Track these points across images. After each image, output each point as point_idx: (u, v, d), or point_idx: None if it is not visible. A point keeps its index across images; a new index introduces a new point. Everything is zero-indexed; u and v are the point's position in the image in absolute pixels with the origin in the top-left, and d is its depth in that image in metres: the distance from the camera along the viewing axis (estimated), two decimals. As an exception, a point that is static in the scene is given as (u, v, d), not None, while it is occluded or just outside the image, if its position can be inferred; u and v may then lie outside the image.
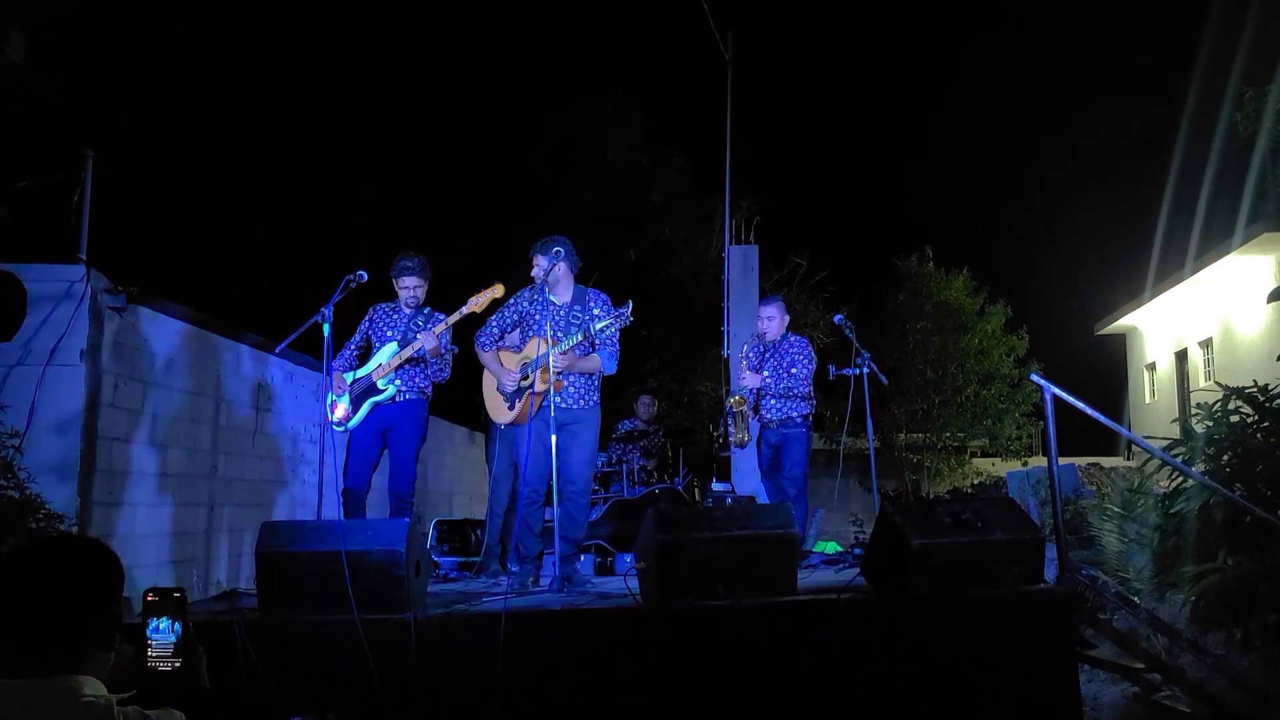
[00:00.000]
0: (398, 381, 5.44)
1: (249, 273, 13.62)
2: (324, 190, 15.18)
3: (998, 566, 4.24)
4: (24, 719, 1.66)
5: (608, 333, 4.89)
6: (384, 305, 5.65)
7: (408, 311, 5.57)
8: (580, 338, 4.89)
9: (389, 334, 5.52)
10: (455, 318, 5.39)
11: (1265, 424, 5.43)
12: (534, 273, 5.10)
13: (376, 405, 5.42)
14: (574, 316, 5.05)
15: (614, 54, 18.60)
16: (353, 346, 5.59)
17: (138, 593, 1.98)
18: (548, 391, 4.90)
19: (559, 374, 4.90)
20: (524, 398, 4.99)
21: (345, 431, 5.47)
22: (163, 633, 1.93)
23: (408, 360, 5.41)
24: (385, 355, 5.45)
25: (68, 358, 5.26)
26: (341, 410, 5.42)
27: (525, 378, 5.00)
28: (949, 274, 21.13)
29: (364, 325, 5.61)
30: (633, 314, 4.84)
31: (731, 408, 6.58)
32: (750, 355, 6.59)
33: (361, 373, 5.50)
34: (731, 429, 6.61)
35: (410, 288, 5.51)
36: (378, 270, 5.47)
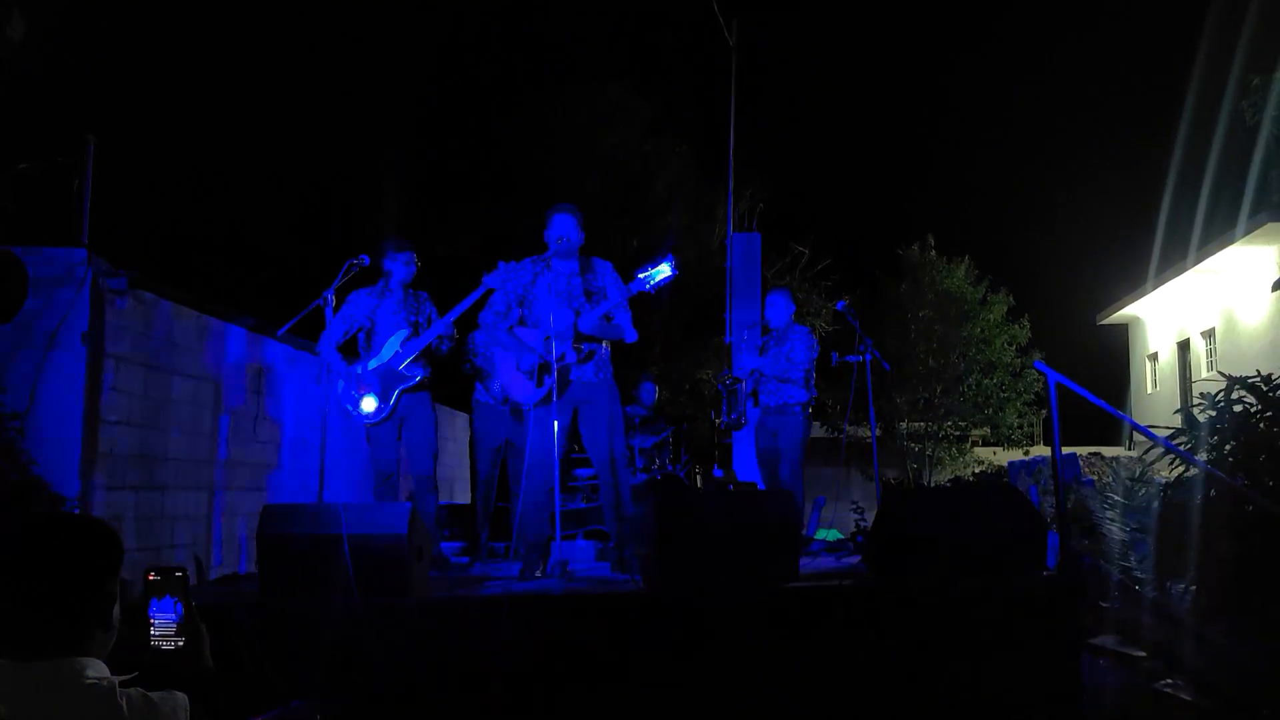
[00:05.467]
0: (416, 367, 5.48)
1: (250, 257, 13.60)
2: (325, 176, 15.14)
3: (1000, 554, 4.23)
4: (27, 701, 1.65)
5: (649, 287, 4.79)
6: (366, 291, 5.58)
7: (398, 294, 5.55)
8: (615, 300, 4.82)
9: (392, 320, 5.50)
10: (453, 316, 5.45)
11: (1268, 413, 5.41)
12: (556, 235, 4.96)
13: (403, 392, 5.44)
14: (587, 284, 4.97)
15: (617, 42, 18.52)
16: (339, 336, 5.50)
17: (139, 576, 1.97)
18: (574, 365, 4.83)
19: (588, 344, 4.84)
20: (554, 374, 4.81)
21: (379, 424, 5.44)
22: (165, 612, 1.92)
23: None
24: (397, 342, 5.44)
25: (69, 341, 5.25)
26: (372, 404, 5.40)
27: (552, 351, 4.81)
28: (951, 263, 21.13)
29: (350, 312, 5.52)
30: (674, 268, 4.76)
31: (724, 386, 6.60)
32: (749, 338, 6.61)
33: (377, 362, 5.45)
34: (724, 408, 6.64)
35: (406, 263, 5.55)
36: (379, 255, 5.46)
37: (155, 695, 1.75)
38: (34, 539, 1.78)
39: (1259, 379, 5.53)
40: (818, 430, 17.92)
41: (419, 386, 5.47)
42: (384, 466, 5.48)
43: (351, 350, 5.64)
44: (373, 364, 5.44)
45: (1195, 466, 5.38)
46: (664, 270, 4.78)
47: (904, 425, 20.25)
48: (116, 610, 1.80)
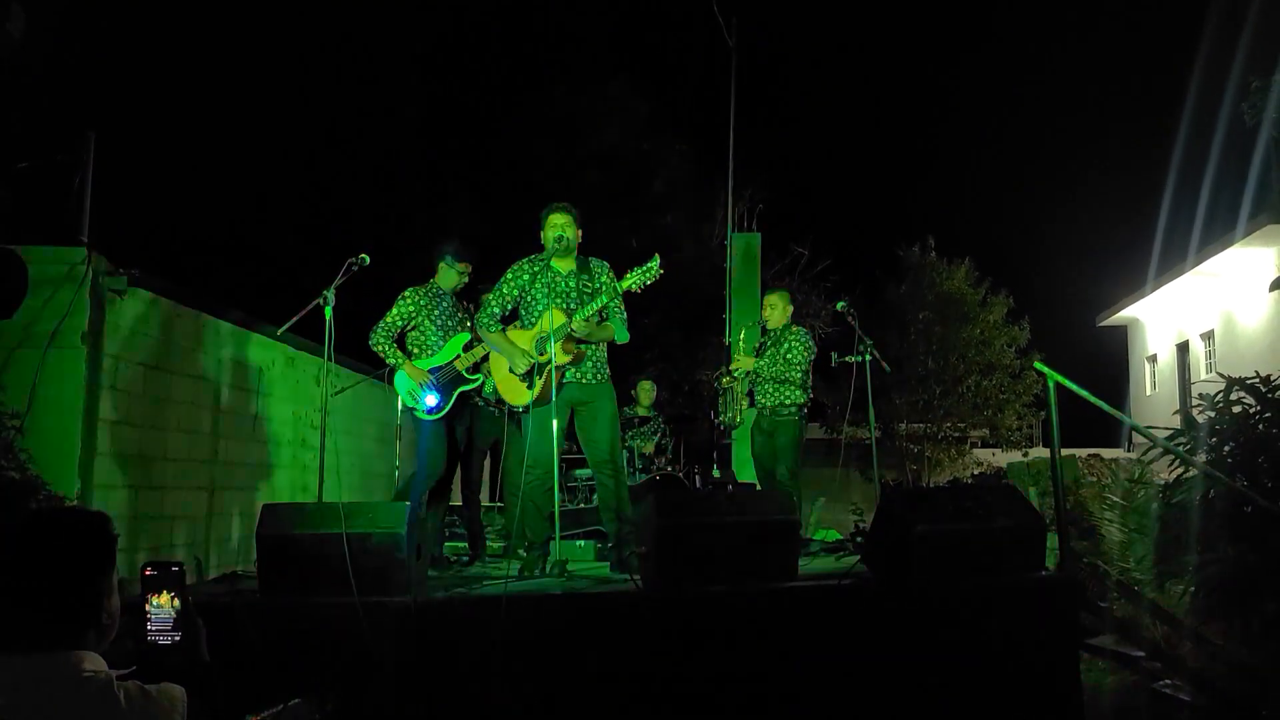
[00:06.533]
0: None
1: (251, 257, 13.59)
2: (325, 176, 15.13)
3: (999, 554, 4.23)
4: (23, 695, 1.65)
5: (635, 289, 4.82)
6: (424, 290, 5.60)
7: (450, 298, 5.65)
8: (605, 300, 4.84)
9: (451, 324, 5.58)
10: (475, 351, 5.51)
11: (1267, 414, 5.41)
12: (554, 235, 4.95)
13: (462, 394, 5.51)
14: (583, 284, 4.97)
15: (617, 41, 18.52)
16: (395, 331, 5.51)
17: (137, 574, 1.97)
18: (566, 366, 4.85)
19: (580, 344, 4.84)
20: (544, 375, 4.81)
21: (436, 421, 5.45)
22: (162, 607, 1.92)
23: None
24: (458, 345, 5.50)
25: (69, 340, 5.24)
26: (433, 400, 5.44)
27: (544, 354, 4.81)
28: (951, 264, 21.15)
29: (409, 310, 5.52)
30: (661, 267, 4.79)
31: (720, 386, 6.61)
32: (746, 339, 6.63)
33: (438, 361, 5.48)
34: (721, 406, 6.67)
35: (461, 273, 5.65)
36: (378, 254, 5.44)
37: (152, 688, 1.75)
38: (27, 534, 1.78)
39: (1258, 380, 5.52)
40: (817, 431, 17.94)
41: (474, 391, 5.64)
42: (433, 465, 5.46)
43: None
44: (435, 362, 5.48)
45: (1194, 467, 5.38)
46: (651, 269, 4.80)
47: (903, 426, 20.27)
48: (114, 604, 1.80)
